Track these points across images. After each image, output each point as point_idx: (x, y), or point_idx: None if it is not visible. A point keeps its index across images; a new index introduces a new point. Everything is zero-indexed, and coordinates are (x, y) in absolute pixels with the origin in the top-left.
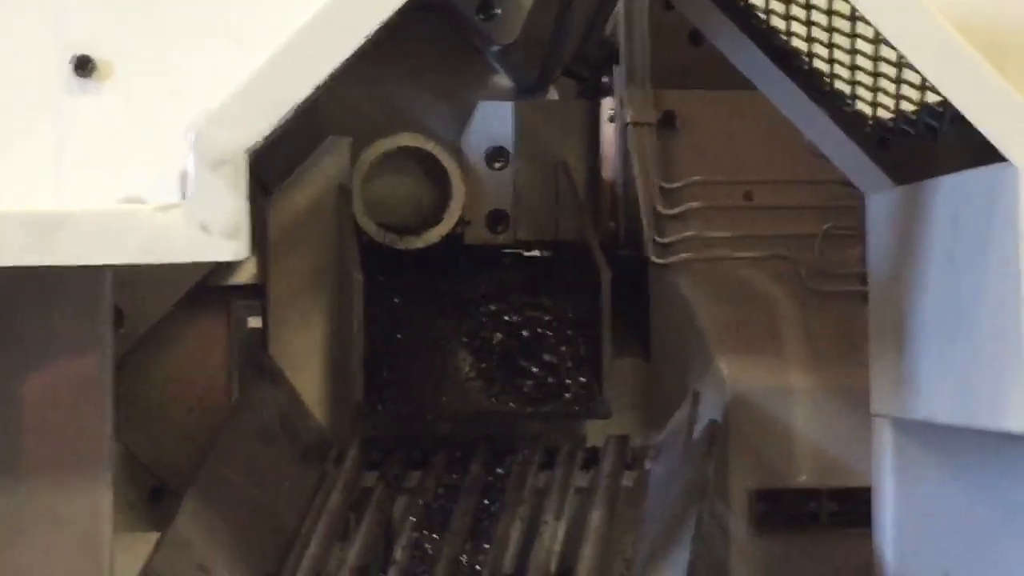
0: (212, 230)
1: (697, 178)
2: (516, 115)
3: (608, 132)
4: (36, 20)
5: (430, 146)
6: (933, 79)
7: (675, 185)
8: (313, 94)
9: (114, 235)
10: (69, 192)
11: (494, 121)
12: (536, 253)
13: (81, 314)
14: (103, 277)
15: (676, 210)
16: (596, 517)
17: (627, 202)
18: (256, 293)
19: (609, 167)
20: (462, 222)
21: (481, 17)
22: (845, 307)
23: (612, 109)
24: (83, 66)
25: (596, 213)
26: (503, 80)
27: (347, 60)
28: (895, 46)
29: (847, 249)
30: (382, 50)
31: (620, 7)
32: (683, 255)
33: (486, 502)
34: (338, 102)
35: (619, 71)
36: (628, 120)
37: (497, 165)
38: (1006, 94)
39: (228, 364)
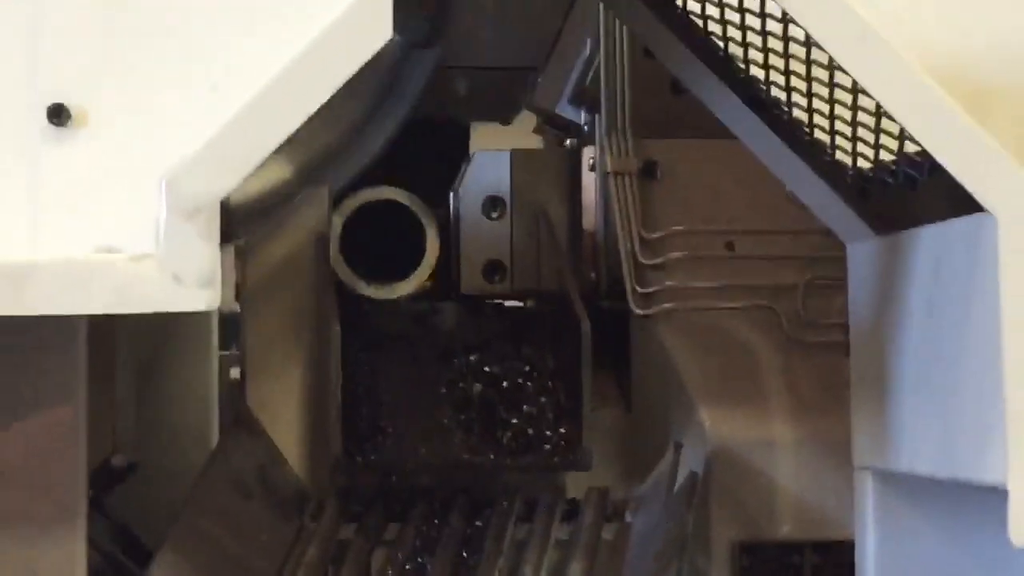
0: (185, 280)
1: (678, 228)
2: (513, 164)
3: (589, 181)
4: (9, 68)
5: (407, 200)
6: (911, 129)
7: (656, 235)
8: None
9: (85, 285)
10: (44, 242)
11: (490, 170)
12: (517, 304)
13: (56, 364)
14: (78, 327)
15: (657, 260)
16: (575, 570)
17: (608, 252)
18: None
19: (590, 216)
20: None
21: None
22: (828, 357)
23: (593, 158)
24: (57, 114)
25: (577, 263)
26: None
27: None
28: (873, 96)
29: (830, 299)
30: None
31: (600, 55)
32: (664, 305)
33: (464, 555)
34: None
35: (599, 120)
36: (608, 169)
37: (494, 215)
38: (984, 144)
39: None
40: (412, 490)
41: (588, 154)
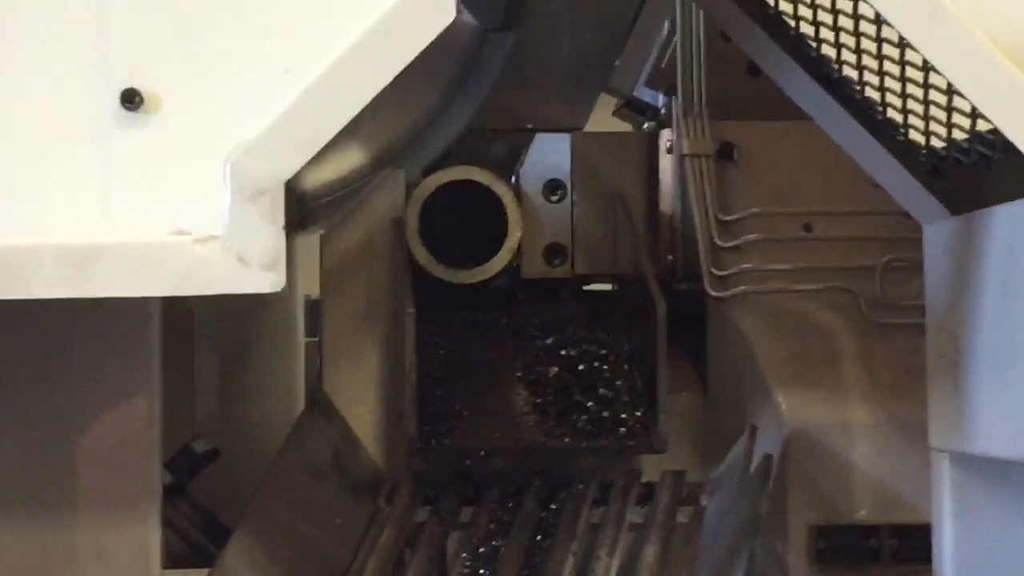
0: (249, 262)
1: (755, 210)
2: (573, 147)
3: (666, 164)
4: (84, 53)
5: (487, 179)
6: (983, 107)
7: (733, 217)
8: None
9: (151, 267)
10: (118, 225)
11: (551, 154)
12: (594, 287)
13: (130, 351)
14: (152, 313)
15: (734, 242)
16: (650, 553)
17: (685, 235)
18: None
19: (667, 199)
20: (518, 255)
21: None
22: (906, 339)
23: (670, 140)
24: (131, 99)
25: (655, 246)
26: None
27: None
28: (944, 74)
29: (908, 281)
30: None
31: (677, 37)
32: (741, 288)
33: (539, 538)
34: None
35: (676, 102)
36: (685, 151)
37: (554, 198)
38: None
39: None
40: (487, 474)
41: (665, 136)
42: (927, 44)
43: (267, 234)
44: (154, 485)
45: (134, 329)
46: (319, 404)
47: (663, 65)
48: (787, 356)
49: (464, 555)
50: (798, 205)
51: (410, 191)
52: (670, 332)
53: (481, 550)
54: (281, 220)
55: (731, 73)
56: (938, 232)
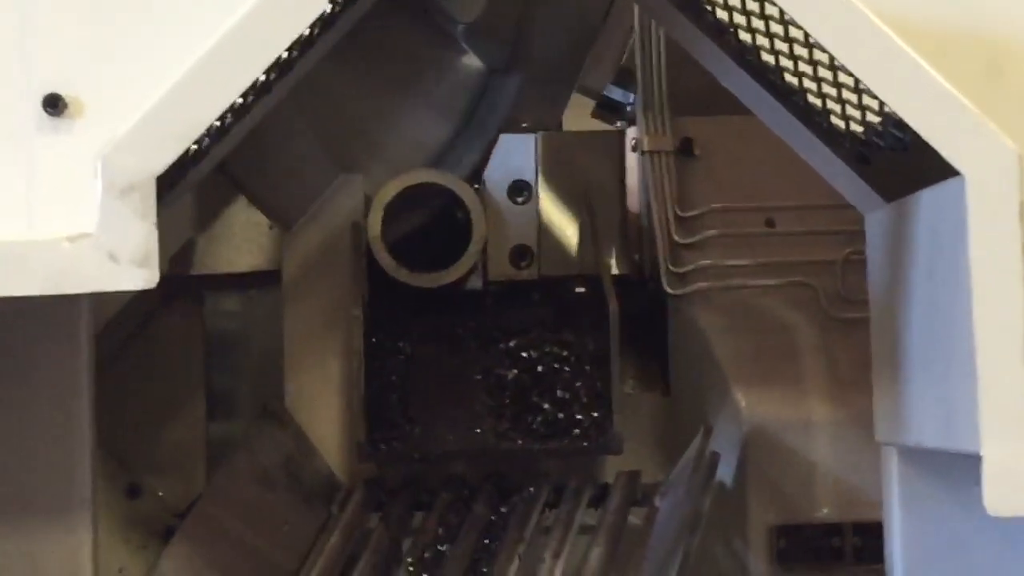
0: (121, 258)
1: (715, 206)
2: (540, 148)
3: (632, 162)
4: (6, 58)
5: (449, 182)
6: (874, 87)
7: (692, 213)
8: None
9: (22, 266)
10: (41, 229)
11: (516, 155)
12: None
13: (60, 357)
14: (81, 316)
15: (692, 239)
16: (596, 555)
17: (650, 233)
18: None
19: (634, 197)
20: (484, 258)
21: None
22: (867, 334)
23: (635, 138)
24: (53, 104)
25: (625, 245)
26: (473, 61)
27: (255, 81)
28: (834, 55)
29: None
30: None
31: (636, 35)
32: (699, 284)
33: (487, 542)
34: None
35: (637, 99)
36: (645, 148)
37: (520, 199)
38: (950, 100)
39: (203, 356)
40: (441, 478)
41: (631, 134)
42: (819, 27)
43: (138, 230)
44: (85, 494)
45: (63, 333)
46: (270, 412)
47: (625, 61)
48: (746, 353)
49: (409, 560)
50: (760, 200)
51: (371, 195)
52: (638, 332)
53: (426, 555)
54: (153, 216)
55: (691, 68)
56: (875, 220)
